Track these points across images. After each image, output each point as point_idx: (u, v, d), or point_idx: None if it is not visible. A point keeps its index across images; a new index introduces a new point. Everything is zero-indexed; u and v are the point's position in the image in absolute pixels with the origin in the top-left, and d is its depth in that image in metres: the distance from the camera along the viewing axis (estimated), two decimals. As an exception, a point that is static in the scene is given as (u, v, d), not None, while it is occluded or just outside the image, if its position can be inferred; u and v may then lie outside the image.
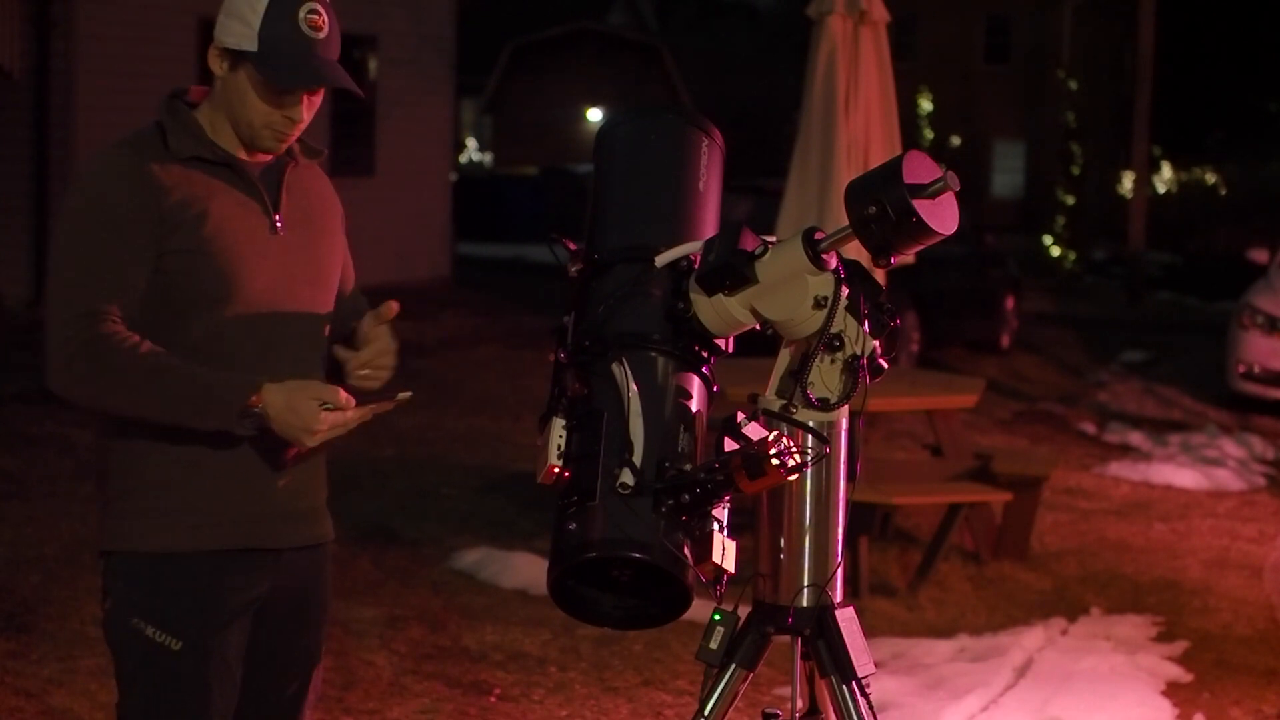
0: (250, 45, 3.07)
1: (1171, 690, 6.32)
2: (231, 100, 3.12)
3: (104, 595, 3.20)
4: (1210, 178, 34.93)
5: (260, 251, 3.14)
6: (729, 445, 2.72)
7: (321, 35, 3.10)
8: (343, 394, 3.02)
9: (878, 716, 2.94)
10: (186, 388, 3.01)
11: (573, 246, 2.92)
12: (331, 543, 3.37)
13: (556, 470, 2.75)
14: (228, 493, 3.14)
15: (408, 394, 3.08)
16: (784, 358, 2.89)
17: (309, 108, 3.17)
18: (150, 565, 3.13)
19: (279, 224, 3.18)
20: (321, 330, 3.26)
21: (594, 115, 38.84)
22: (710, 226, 2.96)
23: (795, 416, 2.82)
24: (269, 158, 3.22)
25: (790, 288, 2.79)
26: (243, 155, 3.18)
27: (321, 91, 3.17)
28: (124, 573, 3.16)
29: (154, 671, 3.14)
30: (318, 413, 2.99)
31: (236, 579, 3.17)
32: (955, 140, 38.02)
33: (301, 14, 3.08)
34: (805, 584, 2.89)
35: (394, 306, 3.19)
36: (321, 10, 3.12)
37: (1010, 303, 17.59)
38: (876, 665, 2.97)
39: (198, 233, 3.08)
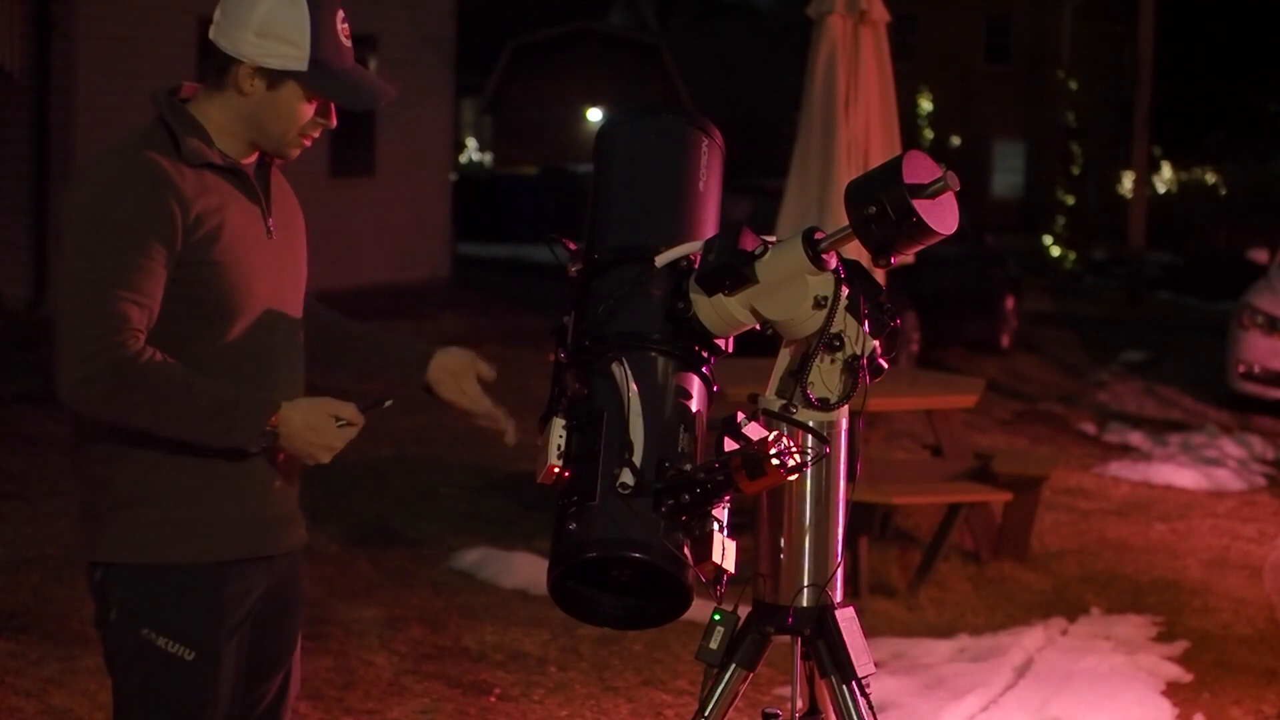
0: (300, 66, 3.07)
1: (1171, 690, 6.32)
2: (264, 116, 3.10)
3: (104, 607, 3.13)
4: (1210, 178, 34.93)
5: (262, 259, 3.14)
6: (729, 445, 2.72)
7: (349, 44, 3.15)
8: (354, 409, 3.05)
9: (878, 716, 2.94)
10: (208, 407, 2.99)
11: (573, 246, 2.93)
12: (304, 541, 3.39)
13: (556, 470, 2.75)
14: (236, 501, 3.14)
15: (389, 401, 3.14)
16: (784, 358, 2.89)
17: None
18: (162, 576, 3.10)
19: (272, 228, 3.18)
20: (301, 334, 3.26)
21: (594, 115, 38.80)
22: (710, 226, 2.96)
23: (795, 416, 2.82)
24: (254, 159, 3.20)
25: (790, 288, 2.79)
26: (244, 160, 3.17)
27: None
28: (131, 584, 3.11)
29: (166, 682, 3.11)
30: (336, 429, 3.02)
31: (241, 585, 3.16)
32: (955, 140, 37.99)
33: (337, 26, 3.12)
34: (805, 584, 2.89)
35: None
36: (346, 18, 3.16)
37: (1010, 303, 17.59)
38: (876, 665, 2.97)
39: (218, 244, 3.05)
